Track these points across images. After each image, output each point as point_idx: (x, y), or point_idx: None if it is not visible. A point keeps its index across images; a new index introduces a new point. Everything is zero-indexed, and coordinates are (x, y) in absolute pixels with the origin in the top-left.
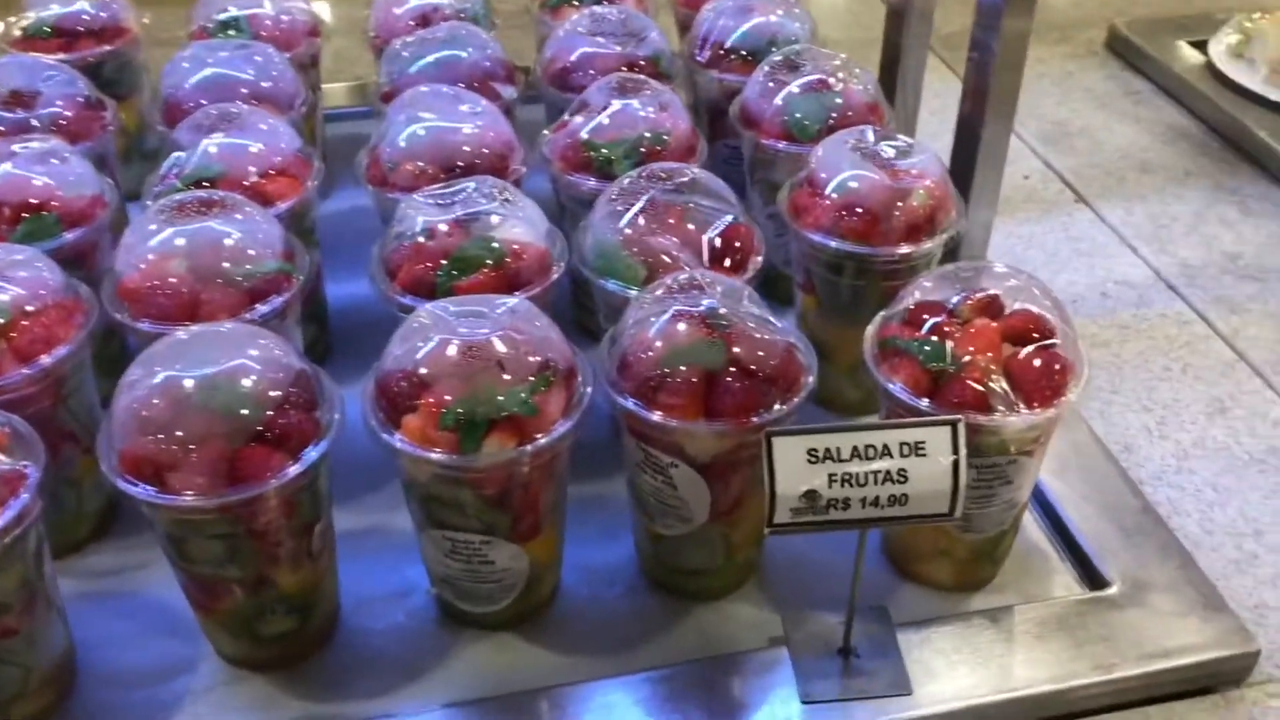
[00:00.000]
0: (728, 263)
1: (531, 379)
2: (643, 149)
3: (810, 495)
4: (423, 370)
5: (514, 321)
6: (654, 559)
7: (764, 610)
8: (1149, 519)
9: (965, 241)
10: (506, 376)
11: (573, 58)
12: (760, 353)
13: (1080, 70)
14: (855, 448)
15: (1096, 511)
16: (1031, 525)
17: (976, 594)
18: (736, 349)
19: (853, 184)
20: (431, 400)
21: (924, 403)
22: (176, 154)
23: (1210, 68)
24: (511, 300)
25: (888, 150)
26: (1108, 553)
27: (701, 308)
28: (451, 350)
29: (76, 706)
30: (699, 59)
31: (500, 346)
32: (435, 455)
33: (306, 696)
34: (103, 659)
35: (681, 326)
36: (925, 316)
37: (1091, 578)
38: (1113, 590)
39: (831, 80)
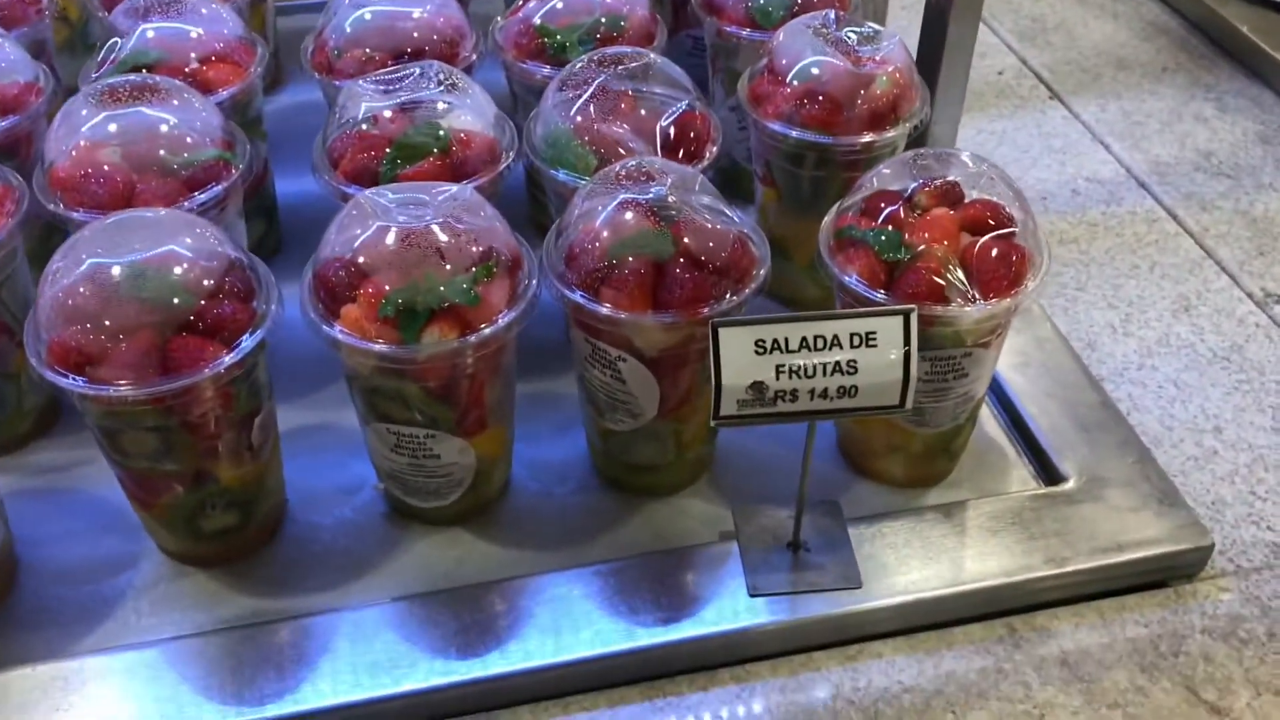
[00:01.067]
0: (682, 151)
1: (473, 268)
2: (598, 34)
3: (757, 387)
4: (360, 259)
5: (455, 210)
6: (605, 455)
7: (716, 505)
8: (1109, 415)
9: (932, 138)
10: (447, 265)
11: None
12: (711, 243)
13: None
14: (804, 338)
15: (1056, 407)
16: (990, 420)
17: (932, 489)
18: (686, 239)
19: (814, 70)
20: (370, 290)
21: (879, 295)
22: (113, 40)
23: None
24: (454, 188)
25: (851, 36)
26: (1066, 448)
27: (649, 196)
28: (390, 238)
29: (17, 603)
30: None
31: (440, 235)
32: (373, 346)
33: (251, 592)
34: (44, 555)
35: (629, 216)
36: (882, 205)
37: (1049, 473)
38: (1069, 485)
39: None
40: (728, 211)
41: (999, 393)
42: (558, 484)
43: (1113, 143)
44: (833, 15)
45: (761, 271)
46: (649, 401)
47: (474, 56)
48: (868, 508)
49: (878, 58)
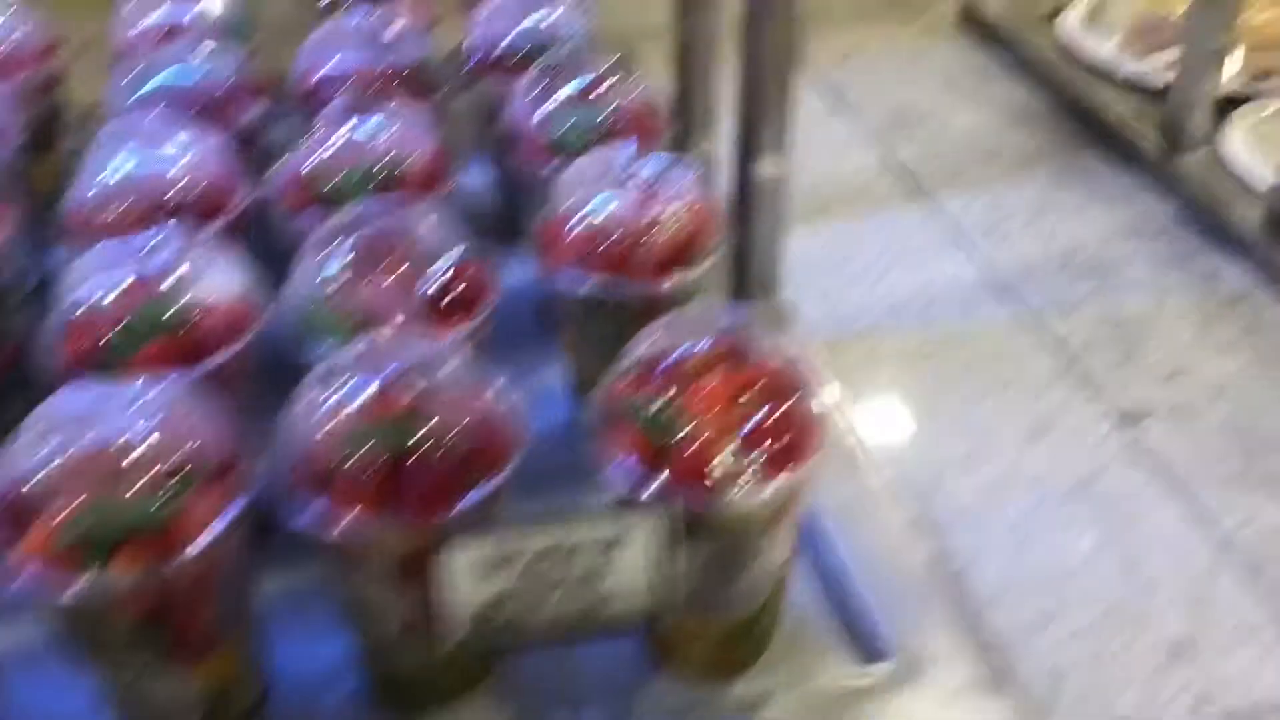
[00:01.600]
0: (454, 305)
1: (170, 483)
2: (376, 180)
3: (489, 609)
4: (36, 480)
5: (154, 411)
6: (370, 663)
7: (500, 715)
8: (938, 575)
9: (756, 269)
10: (135, 482)
11: (322, 71)
12: (455, 428)
13: (931, 49)
14: (542, 551)
15: (880, 569)
16: (807, 592)
17: (741, 678)
18: (425, 426)
19: (599, 212)
20: (47, 517)
21: (652, 482)
22: None
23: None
24: (160, 384)
25: (643, 170)
26: (887, 619)
27: (382, 380)
28: (69, 454)
29: None
30: (471, 66)
31: (128, 445)
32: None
33: None
34: None
35: (358, 404)
36: (649, 373)
37: (868, 650)
38: (888, 666)
39: (601, 88)
40: (484, 383)
41: (816, 558)
42: (324, 693)
43: (975, 242)
44: (628, 149)
45: (517, 452)
46: (393, 611)
47: (247, 204)
48: (665, 707)
49: (672, 192)
